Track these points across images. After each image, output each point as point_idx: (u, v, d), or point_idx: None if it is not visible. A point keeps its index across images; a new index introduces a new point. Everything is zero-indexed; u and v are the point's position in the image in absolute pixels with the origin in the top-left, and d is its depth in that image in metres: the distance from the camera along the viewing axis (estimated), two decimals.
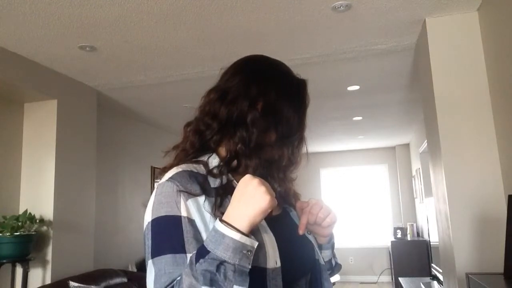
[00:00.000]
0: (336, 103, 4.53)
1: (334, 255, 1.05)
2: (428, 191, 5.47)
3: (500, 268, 1.95)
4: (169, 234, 0.77)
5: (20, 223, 2.89)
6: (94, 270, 3.43)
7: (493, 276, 2.02)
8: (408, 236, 6.73)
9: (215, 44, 2.88)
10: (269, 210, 0.74)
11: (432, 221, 4.62)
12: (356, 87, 3.98)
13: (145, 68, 3.31)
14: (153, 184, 5.09)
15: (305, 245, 0.93)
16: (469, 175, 2.40)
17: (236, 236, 0.71)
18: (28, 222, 2.97)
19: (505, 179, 2.30)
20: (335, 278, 5.43)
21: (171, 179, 0.81)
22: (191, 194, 0.79)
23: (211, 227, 0.77)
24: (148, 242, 0.79)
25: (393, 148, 7.84)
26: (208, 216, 0.79)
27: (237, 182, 0.82)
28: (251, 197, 0.73)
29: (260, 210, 0.73)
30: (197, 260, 0.70)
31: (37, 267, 3.09)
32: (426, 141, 3.68)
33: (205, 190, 0.81)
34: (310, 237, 0.95)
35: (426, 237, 5.95)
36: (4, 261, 2.84)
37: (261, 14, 2.47)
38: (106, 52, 2.96)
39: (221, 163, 0.87)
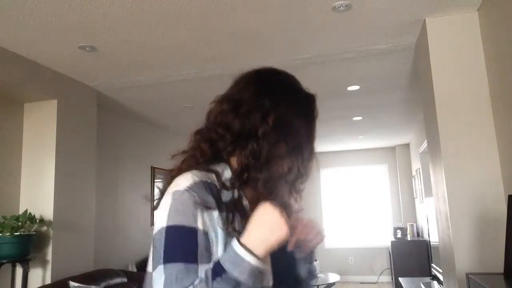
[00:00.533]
0: (336, 103, 4.53)
1: (313, 267, 1.09)
2: (428, 191, 5.48)
3: (500, 268, 1.95)
4: (184, 244, 0.80)
5: (20, 223, 2.89)
6: (94, 270, 3.43)
7: (493, 276, 2.01)
8: (408, 236, 6.73)
9: (215, 44, 2.89)
10: (285, 240, 0.80)
11: (432, 221, 4.62)
12: (356, 87, 3.98)
13: (145, 68, 3.31)
14: (153, 184, 5.09)
15: (290, 260, 0.98)
16: (469, 175, 2.40)
17: (253, 261, 0.76)
18: (28, 222, 2.97)
19: (505, 179, 2.30)
20: (335, 278, 5.43)
21: (189, 189, 0.82)
22: (207, 207, 0.82)
23: (220, 238, 0.82)
24: (161, 247, 0.80)
25: (393, 148, 7.84)
26: (220, 230, 0.83)
27: (246, 195, 0.90)
28: (272, 227, 0.78)
29: (278, 240, 0.79)
30: (213, 277, 0.75)
31: (37, 267, 3.09)
32: (426, 141, 3.68)
33: (218, 203, 0.84)
34: (296, 251, 0.98)
35: (426, 237, 5.95)
36: (4, 261, 2.84)
37: (261, 14, 2.47)
38: (106, 52, 2.96)
39: (233, 177, 0.89)
